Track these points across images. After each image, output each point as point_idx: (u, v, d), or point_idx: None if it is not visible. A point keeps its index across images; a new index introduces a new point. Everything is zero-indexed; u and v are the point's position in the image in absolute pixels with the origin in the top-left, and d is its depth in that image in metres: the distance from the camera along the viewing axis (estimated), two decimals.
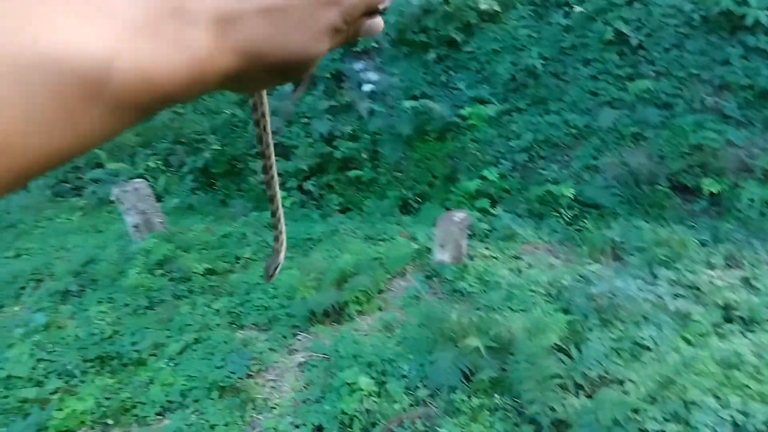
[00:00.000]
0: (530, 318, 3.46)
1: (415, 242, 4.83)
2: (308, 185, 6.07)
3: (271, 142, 0.54)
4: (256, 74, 0.33)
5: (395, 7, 5.75)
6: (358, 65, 6.27)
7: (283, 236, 0.61)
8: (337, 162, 6.08)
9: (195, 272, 4.73)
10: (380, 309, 4.13)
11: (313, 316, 4.04)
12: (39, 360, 3.80)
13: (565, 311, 3.64)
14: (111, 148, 6.80)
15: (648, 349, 3.38)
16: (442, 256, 4.34)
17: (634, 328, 3.49)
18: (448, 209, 5.36)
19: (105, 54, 0.25)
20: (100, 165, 6.78)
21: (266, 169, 0.57)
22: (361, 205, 5.84)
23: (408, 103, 5.64)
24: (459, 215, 4.25)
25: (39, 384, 3.60)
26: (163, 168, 6.73)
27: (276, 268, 0.59)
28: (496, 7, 5.70)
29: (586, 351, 3.23)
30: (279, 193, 0.60)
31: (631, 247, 4.45)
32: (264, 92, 0.50)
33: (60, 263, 5.10)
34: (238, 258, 5.00)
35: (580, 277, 4.04)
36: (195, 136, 6.62)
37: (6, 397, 3.50)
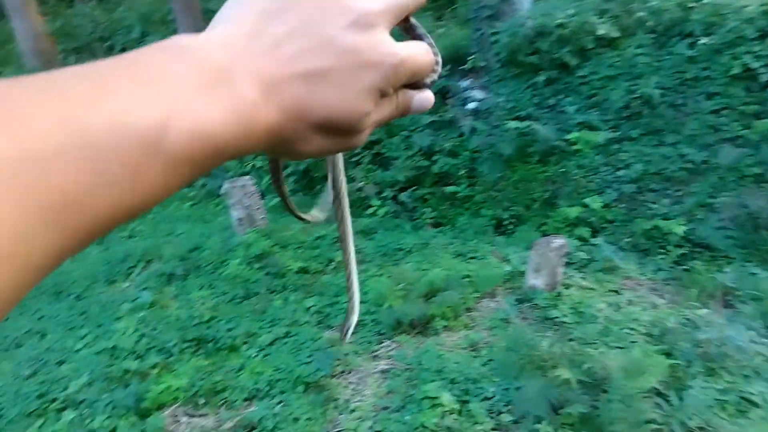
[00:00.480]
0: (628, 357, 3.29)
1: (508, 264, 4.74)
2: (403, 196, 6.12)
3: (347, 206, 0.55)
4: (303, 132, 0.34)
5: (509, 28, 5.72)
6: (465, 83, 6.28)
7: (356, 297, 0.61)
8: (433, 176, 6.09)
9: (289, 269, 4.89)
10: (467, 327, 4.08)
11: (399, 325, 4.05)
12: (142, 335, 4.07)
13: (667, 354, 3.43)
14: None
15: (757, 405, 3.11)
16: (535, 281, 4.23)
17: (743, 382, 3.23)
18: (545, 234, 5.22)
19: (161, 113, 0.27)
20: None
21: (342, 238, 0.58)
22: (454, 220, 5.82)
23: (512, 124, 5.57)
24: (557, 241, 4.13)
25: (140, 357, 3.85)
26: (268, 168, 7.03)
27: (349, 330, 0.59)
28: (615, 33, 5.51)
29: (688, 399, 3.03)
30: (353, 255, 0.60)
31: (746, 294, 4.13)
32: (338, 159, 0.52)
33: (168, 247, 5.44)
34: (330, 260, 5.12)
35: (686, 320, 3.80)
36: None
37: (111, 365, 3.77)
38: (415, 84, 0.40)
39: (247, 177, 5.49)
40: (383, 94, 0.37)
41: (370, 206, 6.21)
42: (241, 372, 3.70)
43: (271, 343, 3.95)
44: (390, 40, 0.37)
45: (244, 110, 0.31)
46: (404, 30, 0.42)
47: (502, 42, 5.72)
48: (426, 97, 0.42)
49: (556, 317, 4.02)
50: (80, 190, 0.24)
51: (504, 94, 5.93)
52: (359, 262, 5.11)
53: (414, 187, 6.16)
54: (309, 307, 4.39)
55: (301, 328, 4.12)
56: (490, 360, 3.57)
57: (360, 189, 6.26)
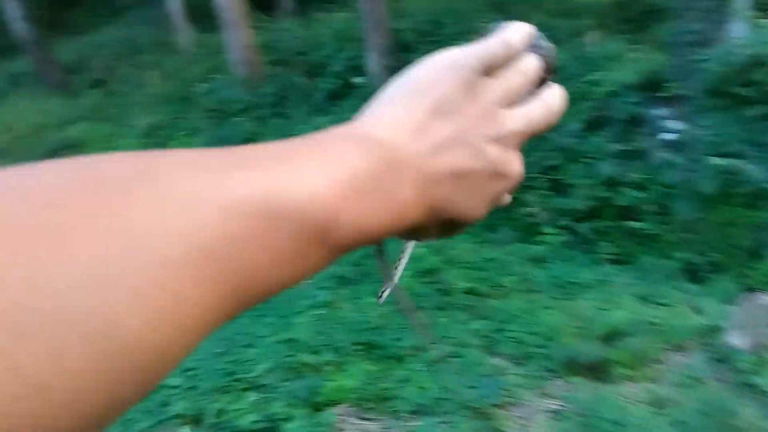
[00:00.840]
0: None
1: (702, 316, 4.28)
2: (580, 227, 5.83)
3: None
4: (430, 225, 0.38)
5: (719, 55, 5.21)
6: (659, 111, 5.83)
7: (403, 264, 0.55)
8: (616, 209, 5.72)
9: (456, 288, 4.88)
10: (650, 380, 3.73)
11: (573, 365, 3.83)
12: (318, 332, 4.29)
13: None
14: None
15: None
16: (736, 340, 3.76)
17: None
18: (749, 288, 4.64)
19: (336, 206, 0.29)
20: None
21: None
22: (637, 259, 5.40)
23: (715, 160, 5.04)
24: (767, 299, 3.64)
25: (316, 353, 4.06)
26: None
27: (385, 292, 0.55)
28: None
29: None
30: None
31: None
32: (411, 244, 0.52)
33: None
34: (499, 285, 5.01)
35: None
36: None
37: (290, 356, 4.02)
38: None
39: None
40: (496, 202, 0.42)
41: (541, 233, 6.00)
42: (407, 383, 3.73)
43: (437, 360, 3.95)
44: (517, 158, 0.42)
45: (400, 209, 0.34)
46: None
47: (710, 70, 5.22)
48: (507, 197, 0.48)
49: (760, 385, 3.53)
50: (257, 270, 0.26)
51: (707, 127, 5.40)
52: (529, 291, 4.95)
53: (593, 219, 5.83)
54: (475, 330, 4.32)
55: (467, 350, 4.07)
56: (679, 422, 3.23)
57: (532, 214, 6.07)
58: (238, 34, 9.32)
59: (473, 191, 0.39)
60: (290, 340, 4.16)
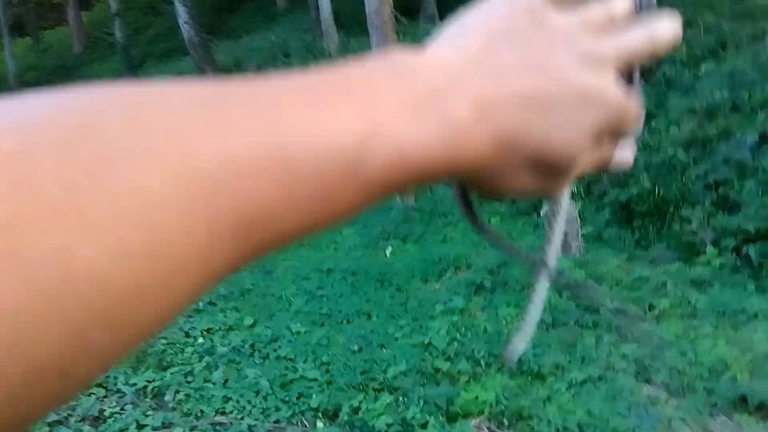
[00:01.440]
0: None
1: None
2: (749, 249, 5.19)
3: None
4: (511, 166, 0.31)
5: None
6: None
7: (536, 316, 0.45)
8: None
9: (604, 306, 4.54)
10: None
11: (742, 402, 3.38)
12: (453, 339, 4.19)
13: None
14: None
15: None
16: None
17: None
18: None
19: (364, 132, 0.25)
20: None
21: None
22: None
23: None
24: None
25: (450, 360, 3.96)
26: (583, 194, 6.72)
27: (515, 352, 0.47)
28: None
29: None
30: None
31: None
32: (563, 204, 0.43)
33: (477, 258, 5.57)
34: (652, 306, 4.60)
35: None
36: (625, 169, 6.39)
37: (424, 360, 3.96)
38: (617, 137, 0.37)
39: (570, 202, 5.29)
40: (598, 139, 0.34)
41: (703, 254, 5.43)
42: (548, 403, 3.52)
43: (582, 383, 3.68)
44: (616, 84, 0.33)
45: (453, 133, 0.28)
46: (622, 75, 0.36)
47: None
48: (626, 155, 0.38)
49: None
50: (273, 207, 0.23)
51: None
52: (688, 316, 4.48)
53: (764, 241, 5.17)
54: (625, 354, 3.98)
55: (616, 374, 3.76)
56: None
57: (694, 232, 5.52)
58: (382, 37, 9.51)
59: (559, 120, 0.31)
60: (424, 344, 4.11)
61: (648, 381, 3.75)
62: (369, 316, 4.61)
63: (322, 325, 4.43)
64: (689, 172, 5.85)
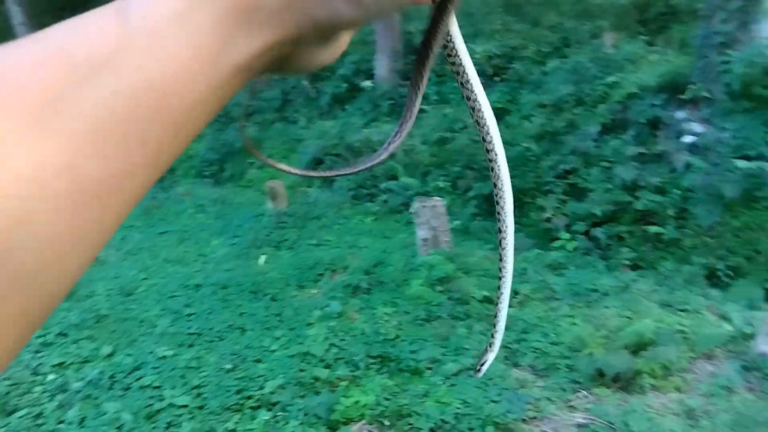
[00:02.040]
0: None
1: (728, 323, 4.11)
2: (597, 232, 5.66)
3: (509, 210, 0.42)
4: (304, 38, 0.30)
5: (745, 57, 5.05)
6: (680, 114, 5.67)
7: (501, 330, 0.49)
8: (635, 213, 5.56)
9: (473, 297, 4.72)
10: (679, 390, 3.57)
11: (600, 376, 3.66)
12: (331, 344, 4.13)
13: None
14: (407, 163, 7.30)
15: None
16: (767, 347, 3.59)
17: None
18: None
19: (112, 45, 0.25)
20: (394, 177, 7.31)
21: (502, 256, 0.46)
22: (656, 265, 5.24)
23: (741, 163, 4.89)
24: None
25: (329, 367, 3.90)
26: (450, 189, 6.96)
27: (483, 365, 0.53)
28: None
29: None
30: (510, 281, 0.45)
31: None
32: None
33: (352, 259, 5.56)
34: (516, 293, 4.85)
35: None
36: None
37: (303, 370, 3.87)
38: None
39: (439, 198, 5.44)
40: None
41: (557, 239, 5.84)
42: (426, 398, 3.57)
43: (456, 373, 3.79)
44: None
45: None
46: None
47: (736, 72, 5.07)
48: None
49: None
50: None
51: (730, 130, 5.25)
52: (548, 299, 4.78)
53: (610, 224, 5.67)
54: None
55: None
56: None
57: (549, 219, 5.92)
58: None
59: None
60: (302, 354, 4.01)
61: (516, 365, 3.95)
62: (243, 331, 4.42)
63: (191, 345, 4.17)
64: (542, 163, 6.27)
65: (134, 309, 4.77)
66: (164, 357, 4.03)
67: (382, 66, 8.66)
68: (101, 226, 0.25)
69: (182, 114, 0.26)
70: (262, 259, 5.80)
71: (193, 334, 4.35)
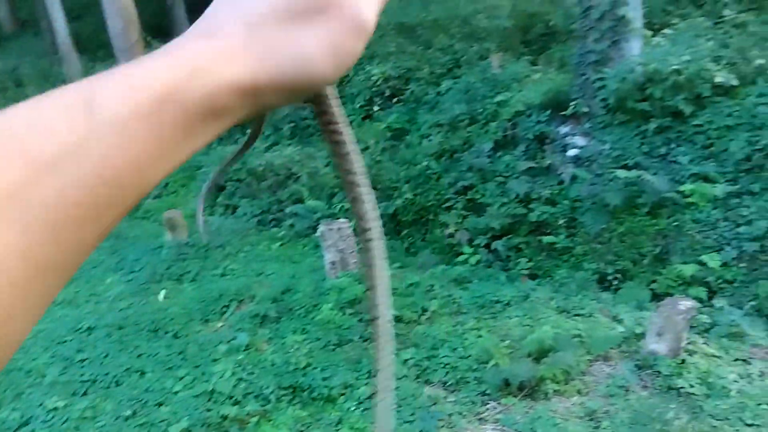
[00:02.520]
0: None
1: (620, 324, 4.39)
2: (497, 245, 5.89)
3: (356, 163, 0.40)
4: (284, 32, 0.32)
5: (617, 73, 5.49)
6: (564, 129, 6.05)
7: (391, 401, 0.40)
8: (530, 225, 5.84)
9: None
10: (580, 393, 3.76)
11: (506, 386, 3.79)
12: (239, 379, 3.99)
13: None
14: (312, 186, 7.25)
15: None
16: (656, 345, 3.87)
17: None
18: (655, 292, 4.85)
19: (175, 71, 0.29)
20: (300, 201, 7.24)
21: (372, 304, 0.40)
22: (552, 273, 5.52)
23: (620, 173, 5.28)
24: (686, 303, 3.79)
25: (238, 403, 3.76)
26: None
27: None
28: (734, 82, 5.18)
29: None
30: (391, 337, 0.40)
31: None
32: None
33: (260, 288, 5.42)
34: (424, 309, 4.92)
35: None
36: (389, 183, 6.82)
37: (209, 410, 3.70)
38: None
39: (344, 220, 5.44)
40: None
41: (461, 254, 6.01)
42: (340, 426, 3.53)
43: (369, 397, 3.77)
44: None
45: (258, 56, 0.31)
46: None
47: (610, 88, 5.48)
48: None
49: (682, 387, 3.64)
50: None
51: (609, 142, 5.66)
52: (455, 313, 4.89)
53: (508, 236, 5.92)
54: (406, 360, 4.19)
55: (399, 382, 3.92)
56: None
57: (452, 235, 6.08)
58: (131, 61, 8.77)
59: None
60: (208, 392, 3.83)
61: (428, 382, 4.00)
62: (142, 374, 4.16)
63: (85, 394, 3.87)
64: (442, 180, 6.46)
65: (20, 359, 4.36)
66: (55, 409, 3.71)
67: None
68: (49, 292, 0.26)
69: (139, 195, 0.28)
70: (162, 294, 5.51)
71: (87, 381, 4.04)
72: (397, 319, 4.76)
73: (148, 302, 5.35)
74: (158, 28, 11.08)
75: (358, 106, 7.97)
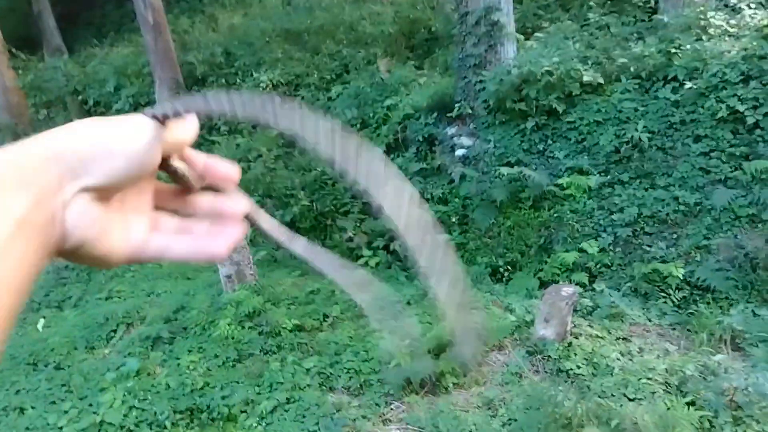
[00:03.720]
0: (655, 410, 3.16)
1: (511, 313, 4.60)
2: (395, 245, 5.98)
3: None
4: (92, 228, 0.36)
5: (495, 76, 5.76)
6: (451, 130, 6.27)
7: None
8: None
9: (284, 328, 4.66)
10: (478, 384, 3.90)
11: (408, 385, 3.84)
12: (131, 407, 3.75)
13: (691, 404, 3.31)
14: None
15: None
16: (545, 331, 4.10)
17: None
18: (542, 280, 5.13)
19: None
20: None
21: None
22: None
23: (504, 170, 5.54)
24: (568, 289, 4.03)
25: None
26: None
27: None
28: (600, 80, 5.61)
29: None
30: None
31: (753, 337, 4.07)
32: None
33: (150, 308, 5.15)
34: (326, 316, 4.90)
35: (703, 367, 3.70)
36: (285, 191, 6.73)
37: None
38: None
39: None
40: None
41: (362, 257, 6.05)
42: None
43: (272, 411, 3.69)
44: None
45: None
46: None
47: (489, 90, 5.75)
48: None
49: (570, 369, 3.88)
50: None
51: (492, 141, 5.93)
52: (357, 317, 4.90)
53: None
54: (309, 369, 4.15)
55: (303, 392, 3.87)
56: (511, 420, 3.39)
57: (351, 239, 6.10)
58: None
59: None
60: (96, 425, 3.57)
61: (332, 389, 3.98)
62: (21, 411, 3.81)
63: None
64: (338, 185, 6.47)
65: None
66: None
67: (164, 98, 8.23)
68: None
69: None
70: (41, 323, 5.08)
71: None
72: (299, 328, 4.70)
73: (26, 333, 4.91)
74: (24, 39, 10.24)
75: None
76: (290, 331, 4.63)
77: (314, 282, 5.50)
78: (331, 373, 4.09)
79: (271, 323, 4.66)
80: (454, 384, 3.86)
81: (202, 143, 8.06)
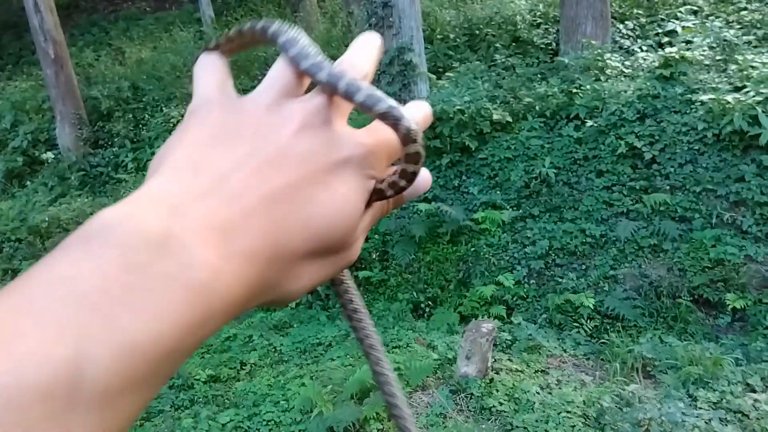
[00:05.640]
0: None
1: (434, 351, 4.59)
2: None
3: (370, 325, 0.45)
4: (288, 268, 0.29)
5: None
6: None
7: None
8: None
9: (197, 379, 4.41)
10: None
11: None
12: None
13: None
14: None
15: None
16: (467, 368, 4.11)
17: None
18: (462, 315, 5.18)
19: (68, 356, 0.21)
20: None
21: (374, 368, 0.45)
22: (370, 307, 5.62)
23: (422, 206, 5.60)
24: (487, 325, 4.08)
25: None
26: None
27: None
28: (508, 118, 5.84)
29: None
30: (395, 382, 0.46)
31: (663, 364, 4.28)
32: (346, 278, 0.44)
33: None
34: (243, 363, 4.69)
35: (618, 398, 3.83)
36: None
37: None
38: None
39: None
40: (371, 191, 0.33)
41: None
42: None
43: None
44: (350, 131, 0.33)
45: (199, 283, 0.24)
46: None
47: None
48: (422, 177, 0.36)
49: (493, 406, 3.90)
50: None
51: None
52: (276, 363, 4.73)
53: None
54: (225, 424, 3.92)
55: None
56: None
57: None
58: None
59: (312, 198, 0.29)
60: None
61: None
62: None
63: None
64: None
65: None
66: None
67: (66, 135, 7.75)
68: None
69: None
70: None
71: None
72: (214, 379, 4.46)
73: None
74: None
75: (157, 149, 7.50)
76: (204, 382, 4.39)
77: (230, 327, 5.27)
78: (249, 427, 3.88)
79: (182, 375, 4.40)
80: (378, 430, 3.76)
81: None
